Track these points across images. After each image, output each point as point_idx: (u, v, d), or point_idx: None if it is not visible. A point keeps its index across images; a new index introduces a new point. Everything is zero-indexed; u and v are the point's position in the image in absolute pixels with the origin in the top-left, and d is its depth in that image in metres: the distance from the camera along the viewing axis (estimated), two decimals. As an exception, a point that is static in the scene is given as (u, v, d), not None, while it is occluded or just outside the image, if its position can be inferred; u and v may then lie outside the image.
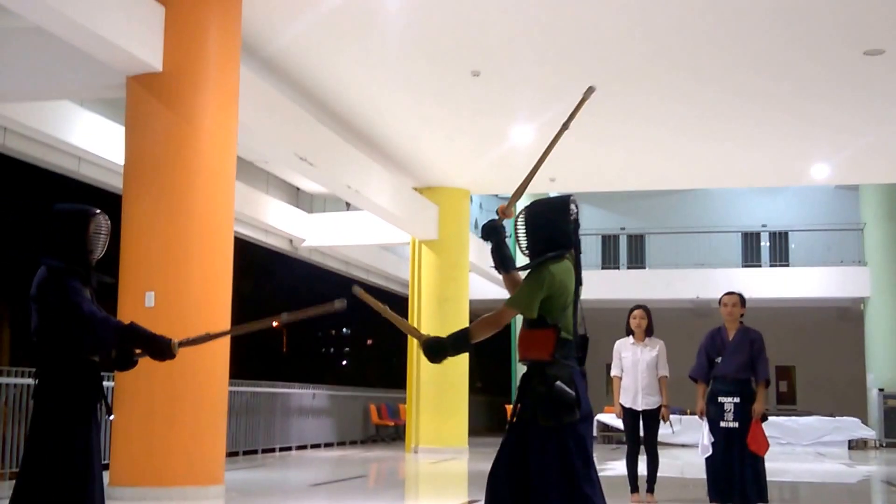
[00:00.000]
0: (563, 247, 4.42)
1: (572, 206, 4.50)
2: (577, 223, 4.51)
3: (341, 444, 20.46)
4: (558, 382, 4.22)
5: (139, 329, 4.68)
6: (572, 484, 4.21)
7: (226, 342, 9.56)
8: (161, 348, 4.64)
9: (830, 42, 11.47)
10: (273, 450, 17.31)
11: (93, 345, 4.61)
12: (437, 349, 4.37)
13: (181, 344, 4.70)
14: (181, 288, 9.20)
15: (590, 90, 4.75)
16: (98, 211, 4.78)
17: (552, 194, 28.32)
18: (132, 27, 9.01)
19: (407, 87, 13.16)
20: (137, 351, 4.76)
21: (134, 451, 9.03)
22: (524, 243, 4.52)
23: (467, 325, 4.79)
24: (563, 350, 4.33)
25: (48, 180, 15.15)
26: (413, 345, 17.95)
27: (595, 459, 4.38)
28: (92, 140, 12.94)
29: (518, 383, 4.49)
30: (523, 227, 4.52)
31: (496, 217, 4.63)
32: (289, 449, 17.96)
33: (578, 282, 4.46)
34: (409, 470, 14.97)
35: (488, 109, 13.91)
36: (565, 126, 4.69)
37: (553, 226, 4.46)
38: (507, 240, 4.63)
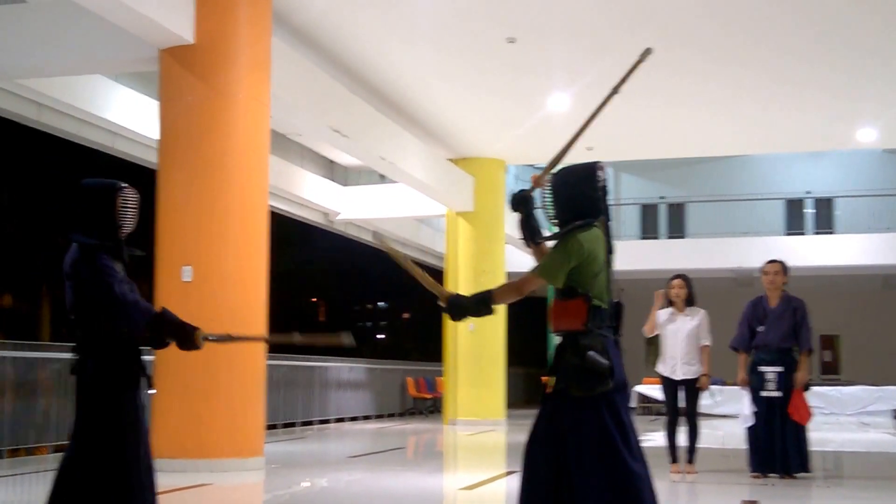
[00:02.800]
0: (591, 215, 4.35)
1: (599, 173, 4.41)
2: (605, 190, 4.42)
3: (379, 416, 20.51)
4: (591, 352, 4.17)
5: (168, 316, 4.68)
6: (611, 454, 4.16)
7: (262, 316, 9.54)
8: (187, 338, 4.62)
9: (879, 1, 11.17)
10: (311, 422, 17.37)
11: (123, 327, 4.60)
12: (460, 308, 4.35)
13: (206, 338, 4.67)
14: (217, 262, 9.23)
15: (647, 52, 4.61)
16: (125, 185, 4.74)
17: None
18: (163, -1, 8.95)
19: (441, 56, 13.02)
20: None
21: (174, 424, 9.09)
22: (552, 212, 4.45)
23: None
24: (596, 319, 4.26)
25: (83, 156, 15.19)
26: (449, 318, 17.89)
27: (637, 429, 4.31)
28: (127, 115, 12.93)
29: (553, 354, 4.42)
30: (550, 195, 4.45)
31: (526, 187, 4.54)
32: (327, 422, 18.02)
33: (609, 250, 4.39)
34: (447, 442, 14.96)
35: (524, 77, 13.74)
36: (615, 90, 4.57)
37: (580, 194, 4.39)
38: (535, 211, 4.54)
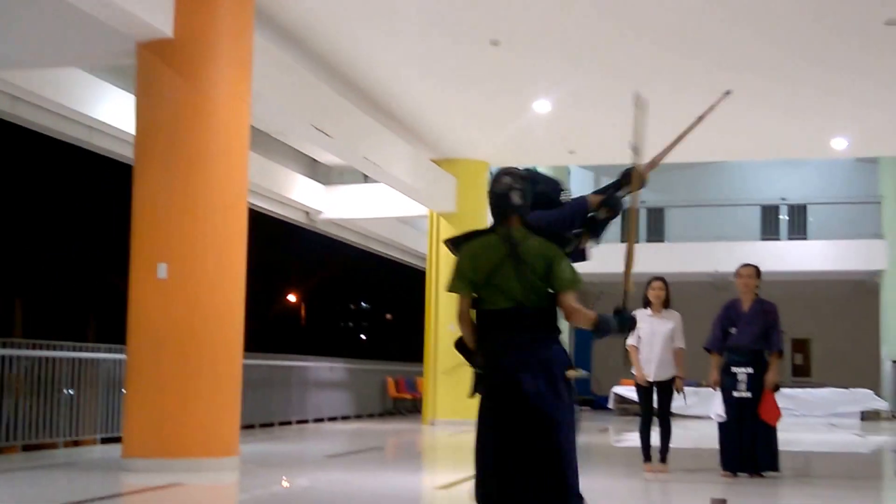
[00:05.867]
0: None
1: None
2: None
3: (358, 417, 20.48)
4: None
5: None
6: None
7: (240, 315, 9.48)
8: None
9: (851, 12, 11.27)
10: (290, 422, 17.32)
11: None
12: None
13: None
14: (194, 260, 9.12)
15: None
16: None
17: (571, 167, 27.83)
18: (142, -8, 8.87)
19: (424, 57, 13.03)
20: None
21: (147, 423, 8.99)
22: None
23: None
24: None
25: (60, 150, 15.10)
26: (430, 317, 18.00)
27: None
28: (104, 109, 12.78)
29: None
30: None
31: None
32: (305, 422, 17.97)
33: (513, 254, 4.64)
34: (425, 442, 14.98)
35: (507, 80, 13.76)
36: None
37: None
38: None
